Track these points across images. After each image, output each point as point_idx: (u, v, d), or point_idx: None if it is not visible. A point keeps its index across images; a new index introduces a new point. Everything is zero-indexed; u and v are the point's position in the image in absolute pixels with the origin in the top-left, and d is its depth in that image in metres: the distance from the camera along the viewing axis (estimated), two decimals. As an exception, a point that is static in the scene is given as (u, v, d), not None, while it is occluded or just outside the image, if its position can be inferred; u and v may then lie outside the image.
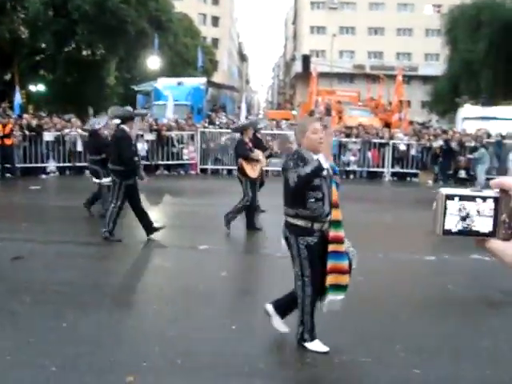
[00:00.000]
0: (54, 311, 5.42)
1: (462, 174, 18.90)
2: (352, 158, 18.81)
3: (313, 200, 4.39)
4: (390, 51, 62.47)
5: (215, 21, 70.10)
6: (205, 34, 59.06)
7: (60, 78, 32.91)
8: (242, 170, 9.45)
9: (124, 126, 8.66)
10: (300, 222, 4.44)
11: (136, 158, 8.69)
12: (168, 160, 18.63)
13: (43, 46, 32.59)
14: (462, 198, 0.93)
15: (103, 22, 28.58)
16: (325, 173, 4.36)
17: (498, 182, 0.93)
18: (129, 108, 10.76)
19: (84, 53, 34.91)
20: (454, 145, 18.96)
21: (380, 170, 19.17)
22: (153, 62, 32.55)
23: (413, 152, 18.86)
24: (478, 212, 0.91)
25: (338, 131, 19.70)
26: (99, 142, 10.69)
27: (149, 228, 8.71)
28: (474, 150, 18.95)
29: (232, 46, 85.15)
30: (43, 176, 17.25)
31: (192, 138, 19.08)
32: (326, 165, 4.30)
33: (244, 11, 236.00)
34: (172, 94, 23.41)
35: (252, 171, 9.45)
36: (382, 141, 19.02)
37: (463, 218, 0.92)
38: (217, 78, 53.16)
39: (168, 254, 8.30)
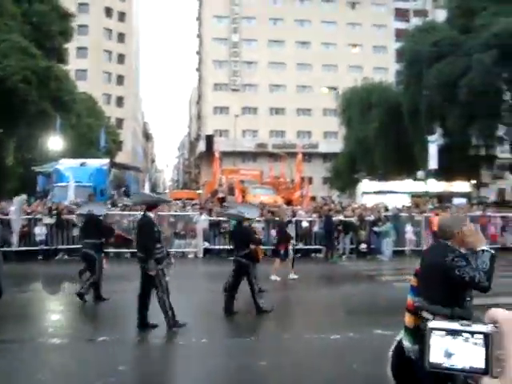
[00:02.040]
0: None
1: (363, 247, 19.49)
2: (257, 237, 18.93)
3: (469, 299, 4.15)
4: (291, 130, 65.14)
5: (119, 101, 70.35)
6: (109, 114, 58.99)
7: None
8: (256, 255, 9.90)
9: (149, 213, 8.73)
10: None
11: (159, 245, 8.52)
12: (69, 244, 17.94)
13: None
14: (449, 332, 0.83)
15: (2, 100, 27.87)
16: None
17: (493, 315, 0.84)
18: (152, 194, 11.05)
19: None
20: (354, 219, 19.63)
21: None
22: (55, 142, 31.86)
23: (315, 228, 19.29)
24: (466, 348, 0.81)
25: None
26: (102, 227, 11.27)
27: (142, 324, 8.41)
28: (374, 223, 19.68)
29: (136, 126, 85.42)
30: None
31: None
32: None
33: (149, 91, 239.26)
34: (74, 175, 22.88)
35: (261, 255, 10.25)
36: (276, 218, 19.30)
37: (449, 354, 0.81)
38: (121, 158, 52.80)
39: (64, 348, 7.78)
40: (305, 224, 19.27)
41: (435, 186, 30.16)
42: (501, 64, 31.69)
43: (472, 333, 0.82)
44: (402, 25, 64.36)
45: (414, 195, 28.08)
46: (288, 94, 65.81)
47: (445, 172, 32.90)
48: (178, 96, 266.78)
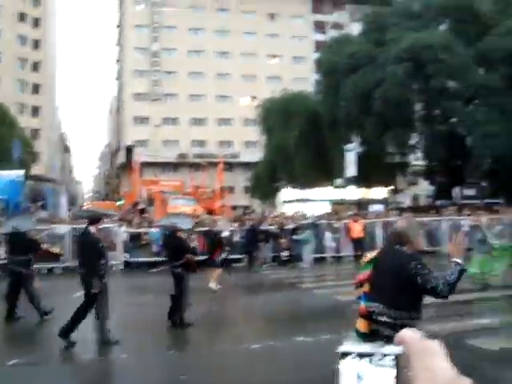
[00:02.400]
0: None
1: (284, 255, 19.67)
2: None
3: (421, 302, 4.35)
4: (212, 140, 65.13)
5: (35, 111, 67.89)
6: (24, 124, 56.64)
7: None
8: (192, 266, 9.98)
9: (91, 228, 8.54)
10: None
11: (103, 261, 8.41)
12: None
13: None
14: (360, 355, 0.82)
15: None
16: None
17: (401, 337, 0.82)
18: (96, 209, 10.80)
19: None
20: (274, 228, 19.79)
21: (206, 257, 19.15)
22: (-37, 154, 30.26)
23: (236, 238, 19.29)
24: (376, 370, 0.80)
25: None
26: (28, 242, 10.75)
27: (66, 333, 8.15)
28: (294, 231, 19.92)
29: (53, 137, 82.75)
30: None
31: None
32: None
33: (66, 100, 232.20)
34: (-16, 187, 21.84)
35: (196, 266, 10.26)
36: (206, 228, 19.19)
37: (360, 377, 0.80)
38: (37, 170, 50.89)
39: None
40: (226, 234, 19.19)
41: (354, 192, 30.99)
42: (412, 76, 33.11)
43: (383, 355, 0.80)
44: (321, 36, 65.89)
45: (333, 202, 28.72)
46: (208, 104, 65.80)
47: (363, 179, 33.89)
48: (97, 105, 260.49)
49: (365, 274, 4.53)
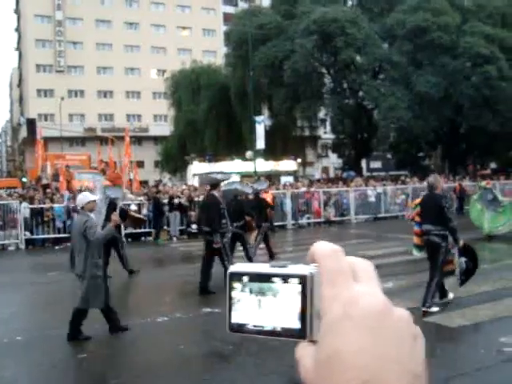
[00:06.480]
0: None
1: (193, 228, 19.48)
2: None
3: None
4: (120, 113, 63.06)
5: None
6: None
7: None
8: (249, 227, 12.14)
9: (214, 192, 9.87)
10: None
11: (224, 221, 9.67)
12: None
13: None
14: (254, 277, 0.51)
15: None
16: None
17: (312, 251, 0.55)
18: (215, 175, 12.59)
19: None
20: (183, 200, 19.57)
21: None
22: None
23: (144, 211, 18.92)
24: (277, 299, 0.54)
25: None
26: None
27: (204, 287, 9.61)
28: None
29: None
30: None
31: None
32: None
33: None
34: None
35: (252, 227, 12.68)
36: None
37: (255, 309, 0.55)
38: None
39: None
40: (133, 207, 18.77)
41: (263, 165, 31.18)
42: (321, 49, 33.57)
43: (285, 277, 0.54)
44: (230, 9, 65.18)
45: (243, 175, 28.76)
46: (116, 77, 63.51)
47: (272, 152, 34.17)
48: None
49: (415, 211, 8.31)
